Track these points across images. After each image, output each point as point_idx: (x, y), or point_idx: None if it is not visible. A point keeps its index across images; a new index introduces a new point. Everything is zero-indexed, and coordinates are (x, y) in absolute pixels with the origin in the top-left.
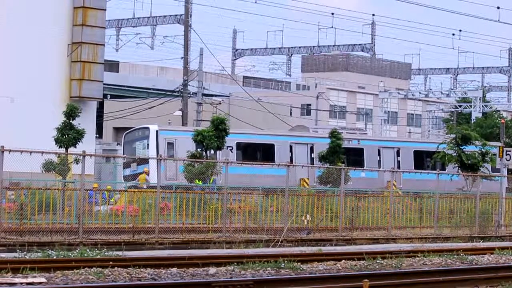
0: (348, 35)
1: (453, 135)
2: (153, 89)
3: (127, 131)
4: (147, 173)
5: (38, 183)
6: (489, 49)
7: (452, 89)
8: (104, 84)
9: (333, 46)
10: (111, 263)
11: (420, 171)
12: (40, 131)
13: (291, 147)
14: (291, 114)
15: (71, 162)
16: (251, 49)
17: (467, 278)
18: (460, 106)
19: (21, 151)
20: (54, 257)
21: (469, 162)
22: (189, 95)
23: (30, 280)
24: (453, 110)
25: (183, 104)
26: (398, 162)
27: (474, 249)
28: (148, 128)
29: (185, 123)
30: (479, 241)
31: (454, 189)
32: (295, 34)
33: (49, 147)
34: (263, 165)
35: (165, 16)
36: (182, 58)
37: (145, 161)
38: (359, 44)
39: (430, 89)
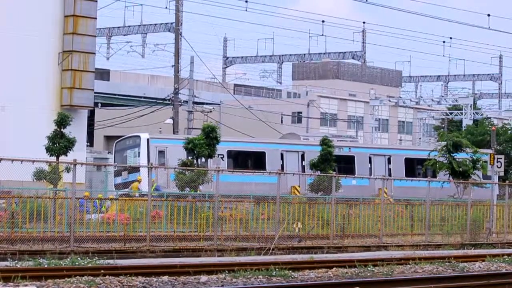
0: (338, 42)
1: (444, 143)
2: (144, 97)
3: (118, 140)
4: (140, 182)
5: (29, 191)
6: (479, 56)
7: (443, 96)
8: (95, 92)
9: (324, 53)
10: (102, 271)
11: (411, 178)
12: (31, 140)
13: (282, 155)
14: (282, 122)
15: (62, 171)
16: (242, 57)
17: (458, 285)
18: (451, 113)
19: (12, 160)
20: (46, 266)
21: (460, 169)
22: (180, 103)
23: None
24: (444, 117)
25: (174, 112)
26: (389, 169)
27: (465, 256)
28: (139, 136)
29: (176, 131)
30: (471, 248)
31: (446, 197)
32: (286, 42)
33: (40, 155)
34: (254, 173)
35: (155, 24)
36: (173, 66)
37: (136, 169)
38: (350, 52)
39: (421, 97)
